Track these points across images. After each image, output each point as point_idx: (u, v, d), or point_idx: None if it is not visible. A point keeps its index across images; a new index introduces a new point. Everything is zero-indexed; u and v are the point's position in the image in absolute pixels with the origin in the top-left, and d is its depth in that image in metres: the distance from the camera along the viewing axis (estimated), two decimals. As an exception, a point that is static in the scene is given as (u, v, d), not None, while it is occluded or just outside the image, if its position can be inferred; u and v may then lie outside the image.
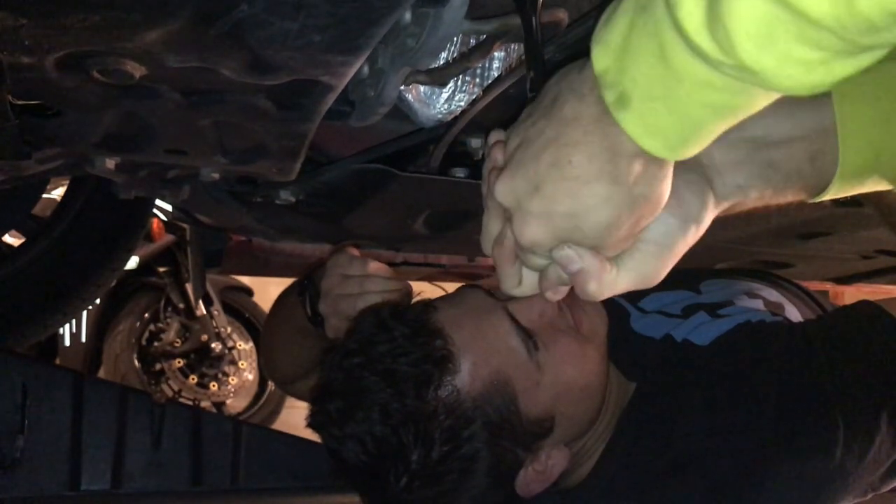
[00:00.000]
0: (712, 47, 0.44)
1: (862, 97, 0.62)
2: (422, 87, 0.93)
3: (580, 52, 0.61)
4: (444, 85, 0.91)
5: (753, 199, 0.64)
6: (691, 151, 0.53)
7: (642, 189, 0.56)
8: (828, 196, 0.64)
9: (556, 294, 0.65)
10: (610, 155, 0.55)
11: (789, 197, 0.65)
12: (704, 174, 0.62)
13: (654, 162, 0.55)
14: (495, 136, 0.65)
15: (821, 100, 0.62)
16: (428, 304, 0.95)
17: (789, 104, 0.60)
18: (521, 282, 0.67)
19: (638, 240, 0.60)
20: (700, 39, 0.44)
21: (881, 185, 0.65)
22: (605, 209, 0.56)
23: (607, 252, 0.60)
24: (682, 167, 0.60)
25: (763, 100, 0.49)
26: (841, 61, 0.42)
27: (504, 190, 0.59)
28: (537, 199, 0.57)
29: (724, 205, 0.63)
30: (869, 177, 0.63)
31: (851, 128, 0.61)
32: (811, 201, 0.65)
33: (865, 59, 0.42)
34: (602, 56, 0.51)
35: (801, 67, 0.42)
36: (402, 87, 0.84)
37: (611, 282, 0.60)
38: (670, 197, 0.59)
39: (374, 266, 1.11)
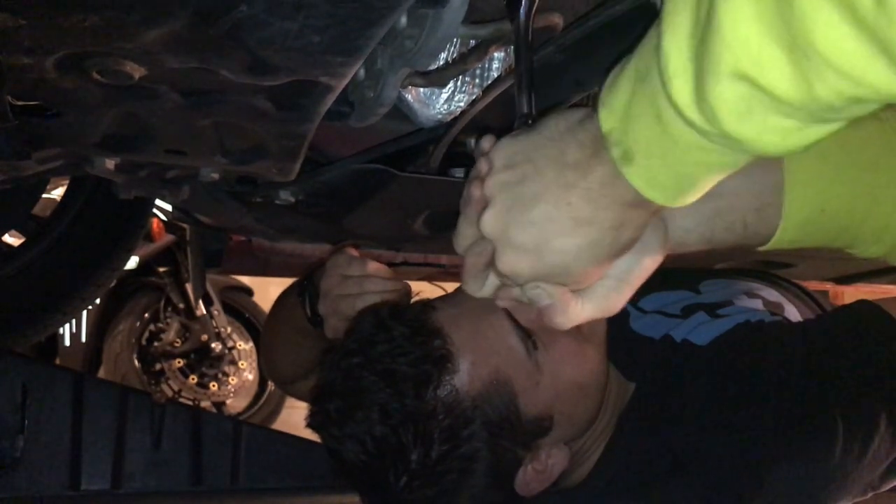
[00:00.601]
0: (700, 119, 0.49)
1: (811, 153, 0.65)
2: (421, 88, 0.93)
3: (580, 52, 0.62)
4: (442, 86, 0.91)
5: (696, 242, 0.69)
6: (688, 200, 0.58)
7: (629, 234, 0.62)
8: (771, 247, 0.68)
9: (508, 304, 0.72)
10: (608, 202, 0.59)
11: (732, 244, 0.69)
12: (660, 215, 0.67)
13: (645, 210, 0.60)
14: (487, 142, 0.67)
15: (769, 158, 0.65)
16: (427, 304, 0.95)
17: None
18: (484, 287, 0.72)
19: (603, 276, 0.65)
20: (689, 113, 0.49)
21: (824, 242, 0.69)
22: (594, 250, 0.61)
23: (578, 286, 0.65)
24: (653, 218, 0.65)
25: (748, 158, 0.53)
26: (814, 128, 0.47)
27: (493, 221, 0.63)
28: (530, 234, 0.61)
29: (671, 245, 0.68)
30: (812, 231, 0.67)
31: (799, 180, 0.66)
32: (758, 250, 0.70)
33: (836, 125, 0.47)
34: (607, 118, 0.56)
35: (777, 135, 0.48)
36: (401, 88, 0.84)
37: (576, 314, 0.66)
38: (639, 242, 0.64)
39: (374, 266, 1.11)
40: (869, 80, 0.41)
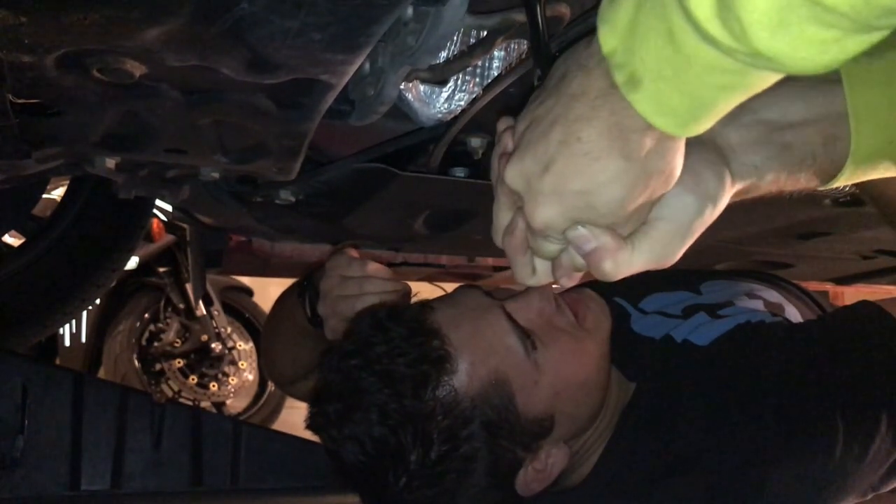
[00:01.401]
0: (724, 35, 0.43)
1: (873, 83, 0.61)
2: (421, 87, 0.93)
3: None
4: (444, 82, 0.91)
5: (768, 181, 0.63)
6: (703, 128, 0.53)
7: (655, 163, 0.56)
8: (840, 182, 0.63)
9: (571, 280, 0.64)
10: (620, 130, 0.54)
11: (803, 181, 0.64)
12: (722, 154, 0.61)
13: (665, 135, 0.54)
14: (504, 123, 0.63)
15: (832, 84, 0.62)
16: (425, 305, 0.95)
17: (802, 88, 0.61)
18: (535, 271, 0.66)
19: (654, 218, 0.59)
20: (711, 27, 0.43)
21: (892, 172, 0.64)
22: (617, 185, 0.55)
23: (622, 229, 0.59)
24: (699, 146, 0.59)
25: (774, 78, 0.49)
26: (854, 38, 0.41)
27: (514, 173, 0.58)
28: (548, 178, 0.56)
29: (740, 185, 0.62)
30: (881, 162, 0.63)
31: (864, 112, 0.61)
32: (824, 187, 0.64)
33: (878, 35, 0.42)
34: (609, 36, 0.50)
35: (814, 49, 0.42)
36: (401, 87, 0.84)
37: (626, 260, 0.59)
38: (688, 175, 0.58)
39: (373, 267, 1.11)
40: None
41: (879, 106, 0.61)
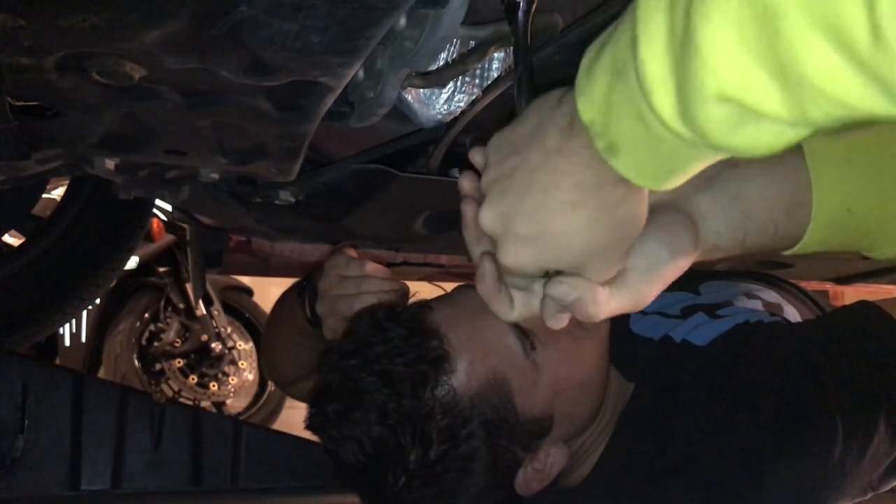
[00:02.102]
0: (686, 132, 0.47)
1: (834, 160, 0.66)
2: (421, 89, 0.93)
3: (580, 52, 0.61)
4: (442, 87, 0.91)
5: (729, 246, 0.68)
6: (678, 183, 0.57)
7: (626, 211, 0.61)
8: (804, 247, 0.68)
9: (559, 322, 0.69)
10: (596, 182, 0.58)
11: (764, 246, 0.69)
12: (693, 219, 0.67)
13: (636, 188, 0.58)
14: (478, 156, 0.67)
15: (796, 157, 0.67)
16: (424, 305, 0.95)
17: (767, 163, 0.68)
18: (513, 305, 0.71)
19: (631, 267, 0.65)
20: (674, 125, 0.47)
21: (850, 243, 0.69)
22: (592, 231, 0.60)
23: (593, 278, 0.64)
24: (676, 210, 0.66)
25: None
26: (807, 130, 0.45)
27: (491, 216, 0.62)
28: (528, 223, 0.61)
29: (703, 247, 0.68)
30: (840, 231, 0.67)
31: (824, 184, 0.66)
32: (790, 252, 0.70)
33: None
34: (587, 109, 0.54)
35: (772, 137, 0.45)
36: (400, 89, 0.84)
37: (606, 303, 0.64)
38: (664, 232, 0.65)
39: (371, 267, 1.11)
40: (865, 108, 0.40)
41: (839, 179, 0.66)
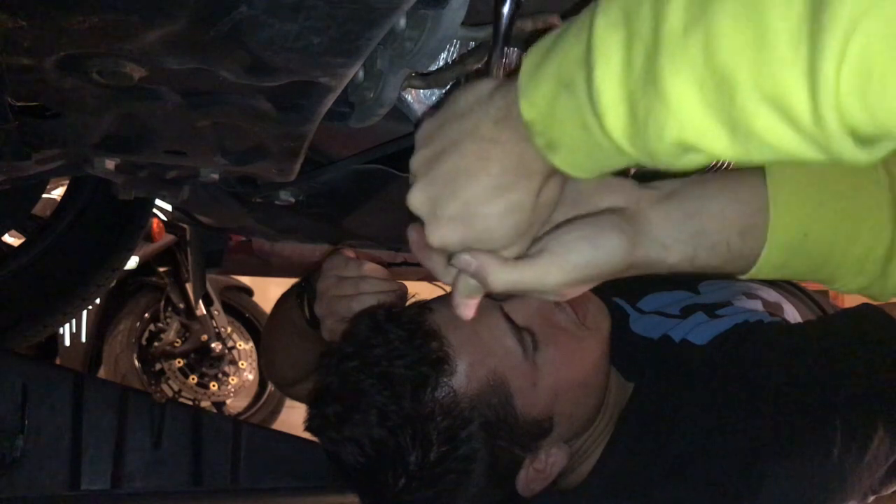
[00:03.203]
0: (635, 152, 0.52)
1: (795, 183, 0.67)
2: (421, 89, 0.93)
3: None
4: (441, 88, 0.91)
5: (676, 259, 0.69)
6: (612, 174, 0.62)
7: (547, 196, 0.65)
8: (758, 271, 0.68)
9: (467, 309, 0.72)
10: (525, 171, 0.62)
11: (716, 266, 0.70)
12: (636, 227, 0.68)
13: (560, 176, 0.63)
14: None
15: (757, 180, 0.68)
16: (423, 306, 0.95)
17: (728, 181, 0.69)
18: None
19: (541, 248, 0.67)
20: (623, 145, 0.52)
21: (807, 271, 0.69)
22: (516, 215, 0.63)
23: (508, 252, 0.67)
24: (619, 214, 0.68)
25: None
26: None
27: (420, 197, 0.66)
28: (454, 205, 0.63)
29: (643, 257, 0.68)
30: (796, 256, 0.67)
31: (782, 205, 0.66)
32: (744, 277, 0.70)
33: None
34: (529, 110, 0.58)
35: (704, 163, 0.51)
36: (400, 89, 0.84)
37: (504, 273, 0.66)
38: (592, 228, 0.67)
39: (369, 267, 1.11)
40: (801, 157, 0.46)
41: (797, 202, 0.67)
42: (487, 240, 0.65)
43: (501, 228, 0.64)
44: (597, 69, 0.51)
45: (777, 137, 0.45)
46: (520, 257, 0.67)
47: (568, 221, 0.69)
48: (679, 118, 0.47)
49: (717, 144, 0.48)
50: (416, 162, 0.67)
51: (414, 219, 0.71)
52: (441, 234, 0.65)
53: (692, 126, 0.47)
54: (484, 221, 0.63)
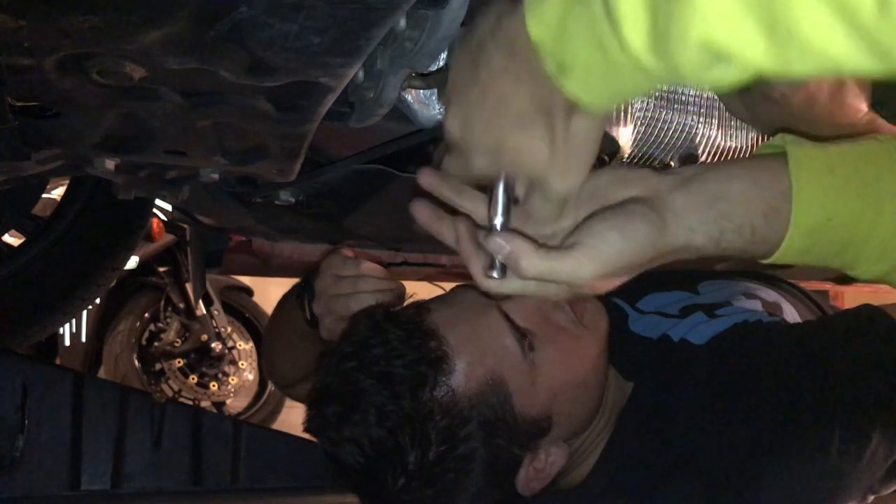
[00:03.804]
0: (656, 66, 0.47)
1: (817, 169, 0.66)
2: (421, 89, 0.93)
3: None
4: (442, 87, 0.91)
5: (702, 243, 0.68)
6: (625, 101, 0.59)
7: (579, 131, 0.62)
8: (783, 255, 0.68)
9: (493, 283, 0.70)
10: (541, 107, 0.60)
11: (740, 249, 0.69)
12: (663, 215, 0.67)
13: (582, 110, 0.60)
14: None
15: (780, 166, 0.67)
16: (422, 306, 0.95)
17: (750, 166, 0.69)
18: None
19: (575, 241, 0.66)
20: (644, 59, 0.48)
21: (830, 256, 0.68)
22: (540, 153, 0.62)
23: (552, 238, 0.69)
24: (644, 203, 0.67)
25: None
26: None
27: (452, 123, 0.65)
28: (485, 134, 0.63)
29: (672, 243, 0.67)
30: (819, 241, 0.67)
31: (806, 190, 0.66)
32: (768, 260, 0.69)
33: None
34: (537, 27, 0.54)
35: (734, 80, 0.46)
36: (400, 90, 0.84)
37: (535, 260, 0.65)
38: (622, 218, 0.66)
39: (367, 266, 1.11)
40: (852, 67, 0.40)
41: (821, 187, 0.66)
42: (520, 170, 0.65)
43: (530, 160, 0.63)
44: None
45: (826, 35, 0.39)
46: (553, 248, 0.67)
47: (597, 213, 0.69)
48: (705, 14, 0.42)
49: (752, 49, 0.42)
50: (449, 84, 0.66)
51: (409, 217, 0.71)
52: (475, 162, 0.66)
53: (722, 23, 0.42)
54: (511, 154, 0.63)
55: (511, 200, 0.69)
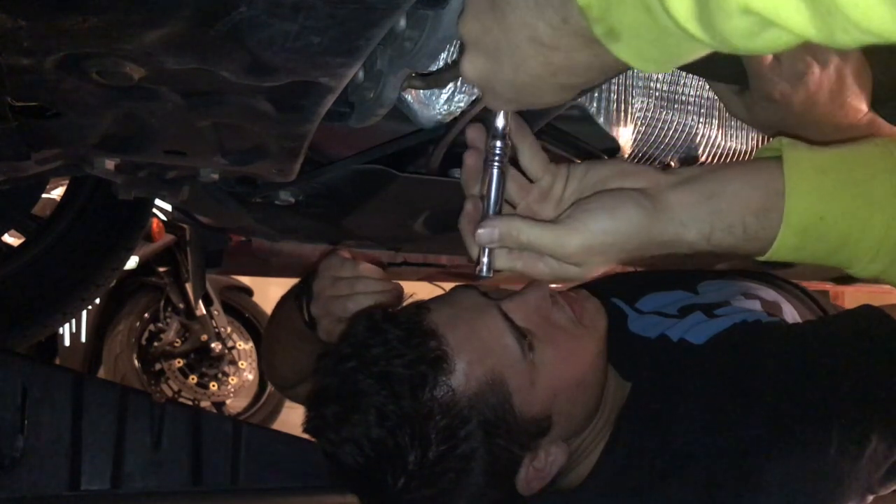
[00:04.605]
0: (703, 35, 0.46)
1: (811, 169, 0.68)
2: (421, 89, 0.93)
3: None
4: (441, 88, 0.91)
5: (693, 238, 0.70)
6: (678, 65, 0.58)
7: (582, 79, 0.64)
8: (775, 253, 0.69)
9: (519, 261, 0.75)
10: (587, 69, 0.61)
11: (732, 246, 0.71)
12: (656, 207, 0.70)
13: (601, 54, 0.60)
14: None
15: (774, 166, 0.69)
16: (421, 306, 0.95)
17: (745, 167, 0.71)
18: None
19: (566, 216, 0.71)
20: (690, 27, 0.46)
21: (824, 255, 0.70)
22: (559, 96, 0.67)
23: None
24: (641, 193, 0.70)
25: None
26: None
27: (473, 69, 0.66)
28: (511, 91, 0.66)
29: (661, 234, 0.70)
30: (812, 240, 0.68)
31: (799, 186, 0.67)
32: (761, 258, 0.71)
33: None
34: None
35: (787, 43, 0.45)
36: (400, 90, 0.84)
37: (528, 228, 0.71)
38: (614, 201, 0.70)
39: (365, 267, 1.12)
40: (891, 35, 0.39)
41: (813, 185, 0.68)
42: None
43: (542, 102, 0.67)
44: None
45: (868, 12, 0.38)
46: (545, 221, 0.71)
47: (592, 194, 0.72)
48: None
49: (796, 18, 0.41)
50: (466, 27, 0.65)
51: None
52: (495, 105, 0.71)
53: None
54: (534, 103, 0.68)
55: (503, 189, 0.76)
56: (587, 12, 0.54)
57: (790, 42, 0.45)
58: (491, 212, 0.75)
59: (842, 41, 0.41)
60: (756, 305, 1.17)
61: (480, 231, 0.72)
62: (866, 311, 1.04)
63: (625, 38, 0.53)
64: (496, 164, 0.75)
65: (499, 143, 0.75)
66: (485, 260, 0.74)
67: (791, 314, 1.20)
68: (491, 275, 0.75)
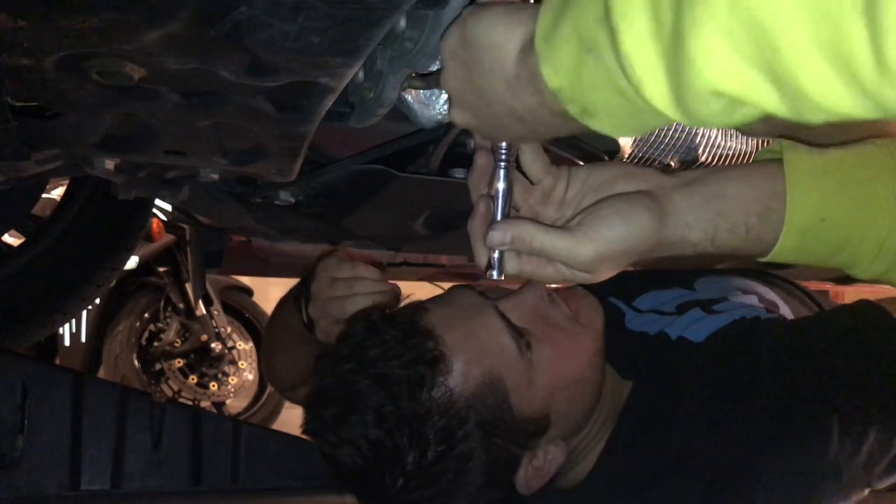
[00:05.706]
0: (681, 118, 0.47)
1: (811, 170, 0.69)
2: (421, 89, 0.93)
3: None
4: (442, 88, 0.91)
5: (697, 239, 0.71)
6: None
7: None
8: (777, 254, 0.70)
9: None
10: (565, 131, 0.64)
11: (735, 247, 0.72)
12: (663, 209, 0.71)
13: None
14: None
15: (775, 169, 0.70)
16: (418, 306, 0.95)
17: (748, 170, 0.72)
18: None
19: (579, 223, 0.71)
20: (669, 113, 0.47)
21: (825, 256, 0.71)
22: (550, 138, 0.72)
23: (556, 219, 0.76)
24: (647, 196, 0.71)
25: None
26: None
27: (462, 118, 0.70)
28: (494, 131, 0.70)
29: (669, 236, 0.71)
30: (814, 241, 0.69)
31: (801, 188, 0.68)
32: (764, 259, 0.72)
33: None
34: (554, 77, 0.55)
35: (762, 115, 0.45)
36: (400, 90, 0.84)
37: (542, 235, 0.71)
38: (626, 205, 0.70)
39: (363, 268, 1.12)
40: (858, 117, 0.40)
41: (814, 186, 0.69)
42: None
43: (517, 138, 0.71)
44: (621, 33, 0.44)
45: (827, 93, 0.38)
46: (556, 226, 0.72)
47: (602, 199, 0.72)
48: (710, 77, 0.41)
49: (767, 99, 0.41)
50: (449, 80, 0.68)
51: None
52: (484, 137, 0.75)
53: (727, 79, 0.41)
54: (515, 139, 0.72)
55: (511, 194, 0.76)
56: (559, 94, 0.55)
57: (764, 115, 0.45)
58: (500, 214, 0.75)
59: (813, 120, 0.41)
60: (753, 301, 1.17)
61: (492, 233, 0.72)
62: (863, 306, 1.04)
63: (600, 116, 0.55)
64: (504, 164, 0.75)
65: (504, 145, 0.75)
66: (496, 262, 0.73)
67: (788, 313, 1.20)
68: (502, 277, 0.74)
